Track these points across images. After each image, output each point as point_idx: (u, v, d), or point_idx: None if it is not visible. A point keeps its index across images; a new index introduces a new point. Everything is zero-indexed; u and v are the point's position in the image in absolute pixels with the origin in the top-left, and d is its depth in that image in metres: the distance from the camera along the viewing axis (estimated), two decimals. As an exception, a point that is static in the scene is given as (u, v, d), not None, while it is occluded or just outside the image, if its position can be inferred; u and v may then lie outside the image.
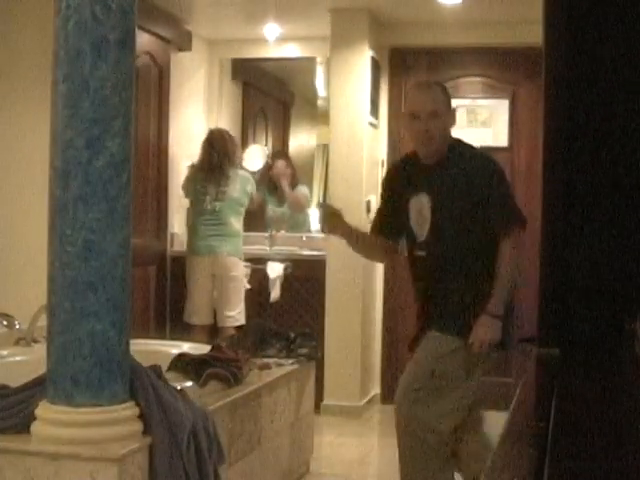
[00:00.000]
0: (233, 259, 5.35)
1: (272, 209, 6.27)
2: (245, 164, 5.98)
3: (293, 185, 6.18)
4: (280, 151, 6.73)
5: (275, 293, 5.54)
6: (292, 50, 6.16)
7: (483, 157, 3.33)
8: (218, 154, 5.35)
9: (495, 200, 3.21)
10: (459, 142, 3.34)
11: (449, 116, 3.29)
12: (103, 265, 2.50)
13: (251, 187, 5.46)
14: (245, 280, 5.50)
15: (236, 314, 5.35)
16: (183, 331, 5.25)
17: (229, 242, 5.34)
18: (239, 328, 5.19)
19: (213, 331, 5.33)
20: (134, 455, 2.49)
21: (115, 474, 2.40)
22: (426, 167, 3.29)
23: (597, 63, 1.93)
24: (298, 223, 6.32)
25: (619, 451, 1.20)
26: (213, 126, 5.92)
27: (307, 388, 4.18)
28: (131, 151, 2.59)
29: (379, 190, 5.57)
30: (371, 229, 3.49)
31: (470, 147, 3.36)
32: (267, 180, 6.27)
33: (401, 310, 5.84)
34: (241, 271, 5.41)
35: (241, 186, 5.40)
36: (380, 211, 3.49)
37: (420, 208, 3.28)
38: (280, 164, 6.26)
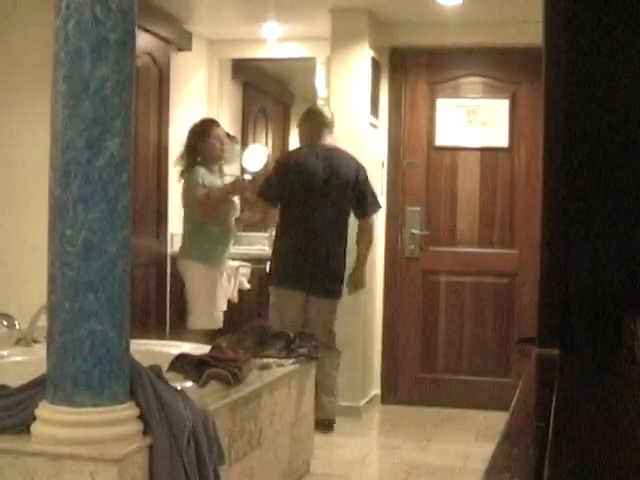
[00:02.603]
0: (182, 261, 5.12)
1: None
2: (245, 164, 5.94)
3: None
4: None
5: (275, 293, 5.51)
6: (292, 50, 6.16)
7: None
8: (204, 149, 5.11)
9: None
10: None
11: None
12: (103, 265, 2.50)
13: (192, 186, 5.00)
14: (245, 280, 5.47)
15: (192, 317, 5.05)
16: (182, 331, 5.23)
17: (181, 244, 5.21)
18: (218, 331, 4.88)
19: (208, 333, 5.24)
20: (134, 455, 2.49)
21: (115, 474, 2.40)
22: None
23: (597, 63, 1.93)
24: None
25: (619, 451, 1.21)
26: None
27: (307, 388, 4.18)
28: (131, 151, 2.59)
29: (379, 190, 5.59)
30: None
31: None
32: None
33: (401, 310, 5.84)
34: (189, 274, 5.05)
35: (184, 186, 5.10)
36: None
37: None
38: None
